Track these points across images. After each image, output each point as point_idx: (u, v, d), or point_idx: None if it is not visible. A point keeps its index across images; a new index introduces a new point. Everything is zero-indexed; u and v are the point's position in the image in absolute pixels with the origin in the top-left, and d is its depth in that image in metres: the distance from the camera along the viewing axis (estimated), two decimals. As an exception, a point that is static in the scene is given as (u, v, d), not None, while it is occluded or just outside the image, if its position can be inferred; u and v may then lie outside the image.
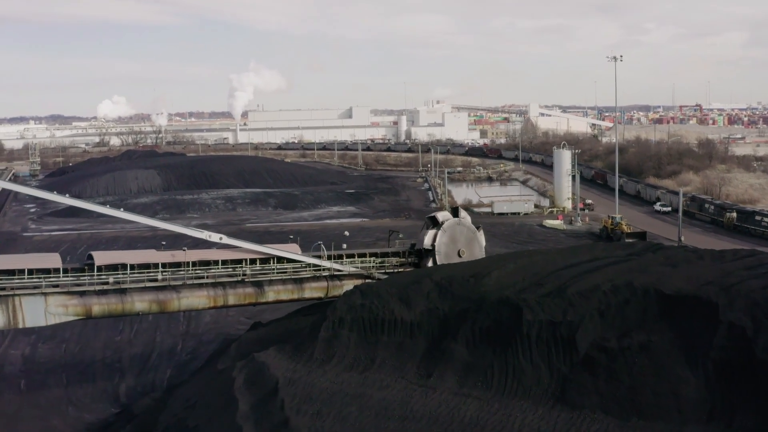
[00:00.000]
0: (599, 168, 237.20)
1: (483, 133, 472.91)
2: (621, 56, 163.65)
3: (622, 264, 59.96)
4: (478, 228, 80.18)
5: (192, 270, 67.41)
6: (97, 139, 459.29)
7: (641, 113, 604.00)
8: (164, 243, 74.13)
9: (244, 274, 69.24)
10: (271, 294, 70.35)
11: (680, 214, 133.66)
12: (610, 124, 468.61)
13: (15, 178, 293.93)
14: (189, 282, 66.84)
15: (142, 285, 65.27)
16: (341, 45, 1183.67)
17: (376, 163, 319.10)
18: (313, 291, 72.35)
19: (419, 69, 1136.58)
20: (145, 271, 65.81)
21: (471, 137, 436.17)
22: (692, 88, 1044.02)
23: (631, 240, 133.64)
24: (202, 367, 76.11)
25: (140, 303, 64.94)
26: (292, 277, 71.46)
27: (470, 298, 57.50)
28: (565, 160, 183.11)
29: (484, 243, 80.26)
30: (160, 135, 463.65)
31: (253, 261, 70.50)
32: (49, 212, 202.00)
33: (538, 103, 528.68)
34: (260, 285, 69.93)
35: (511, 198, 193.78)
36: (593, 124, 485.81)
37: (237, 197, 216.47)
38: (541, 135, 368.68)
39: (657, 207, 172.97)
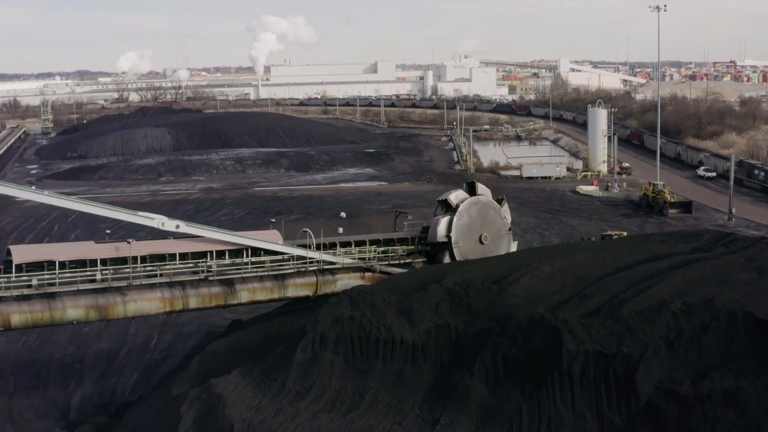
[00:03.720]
0: (635, 127, 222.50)
1: (511, 89, 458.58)
2: (665, 6, 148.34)
3: (691, 267, 45.85)
4: (501, 201, 66.27)
5: (141, 267, 53.80)
6: (116, 95, 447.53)
7: (673, 69, 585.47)
8: (108, 231, 60.13)
9: (209, 270, 55.64)
10: (245, 294, 56.79)
11: (731, 183, 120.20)
12: (643, 80, 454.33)
13: (26, 136, 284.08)
14: (137, 282, 53.25)
15: (75, 287, 51.77)
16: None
17: (399, 120, 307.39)
18: (298, 289, 58.70)
19: (447, 23, 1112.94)
20: (80, 269, 52.27)
21: (499, 93, 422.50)
22: (723, 43, 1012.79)
23: (674, 210, 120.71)
24: (172, 373, 63.31)
25: (74, 309, 51.44)
26: (272, 272, 57.81)
27: (492, 314, 43.56)
28: (600, 119, 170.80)
29: (509, 219, 66.46)
30: (180, 91, 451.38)
31: (221, 253, 56.91)
32: (49, 174, 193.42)
33: (569, 58, 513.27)
34: (230, 283, 56.39)
35: (541, 161, 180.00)
36: (625, 80, 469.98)
37: (248, 158, 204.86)
38: (572, 91, 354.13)
39: (700, 172, 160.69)
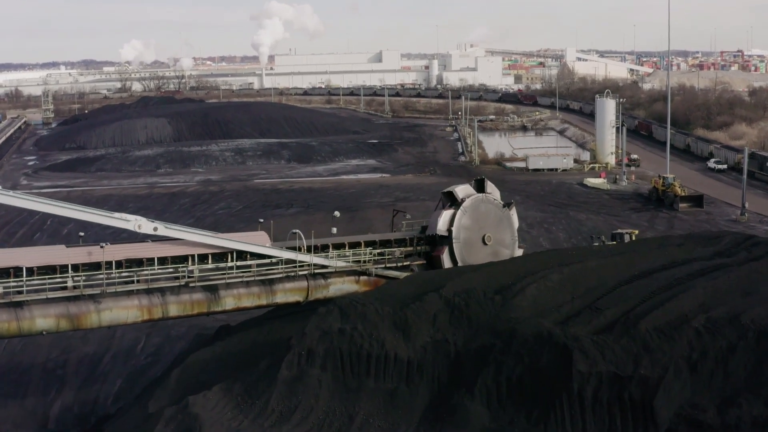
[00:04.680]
0: (642, 117, 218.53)
1: (517, 79, 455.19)
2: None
3: (714, 276, 42.02)
4: (510, 206, 62.47)
5: (116, 272, 50.02)
6: (119, 85, 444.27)
7: (680, 58, 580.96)
8: (82, 234, 56.28)
9: (190, 276, 51.86)
10: (230, 300, 53.01)
11: (744, 176, 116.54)
12: (650, 70, 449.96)
13: (26, 127, 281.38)
14: (112, 289, 49.48)
15: (44, 295, 48.06)
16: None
17: (404, 110, 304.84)
18: (287, 294, 54.89)
19: (452, 12, 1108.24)
20: (50, 276, 48.55)
21: (505, 83, 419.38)
22: (730, 32, 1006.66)
23: (685, 204, 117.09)
24: (154, 383, 59.59)
25: (43, 319, 47.86)
26: (259, 277, 54.03)
27: (495, 328, 39.80)
28: (608, 110, 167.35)
29: (516, 225, 62.71)
30: (183, 80, 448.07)
31: (204, 257, 53.12)
32: (46, 166, 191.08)
33: (575, 47, 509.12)
34: (214, 289, 52.64)
35: (547, 152, 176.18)
36: (632, 70, 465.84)
37: (248, 149, 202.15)
38: (579, 81, 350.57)
39: (711, 164, 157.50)
